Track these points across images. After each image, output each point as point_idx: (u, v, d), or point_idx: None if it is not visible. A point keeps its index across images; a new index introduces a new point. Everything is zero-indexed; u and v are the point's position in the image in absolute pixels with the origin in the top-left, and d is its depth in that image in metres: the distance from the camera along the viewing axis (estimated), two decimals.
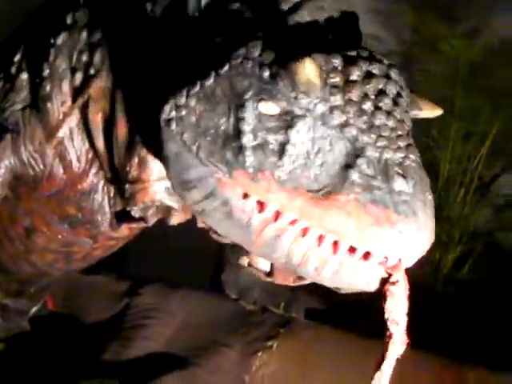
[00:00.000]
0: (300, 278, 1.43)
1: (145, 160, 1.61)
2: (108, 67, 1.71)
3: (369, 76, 1.29)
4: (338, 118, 1.26)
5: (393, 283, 1.26)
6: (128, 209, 1.68)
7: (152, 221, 1.69)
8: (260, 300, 2.36)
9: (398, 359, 1.29)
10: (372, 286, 1.29)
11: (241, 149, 1.28)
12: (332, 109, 1.26)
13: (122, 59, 1.70)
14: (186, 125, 1.36)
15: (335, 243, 1.26)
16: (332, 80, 1.27)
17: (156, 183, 1.61)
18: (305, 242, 1.27)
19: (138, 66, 1.62)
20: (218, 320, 2.31)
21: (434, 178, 2.58)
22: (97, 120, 1.73)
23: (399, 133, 1.27)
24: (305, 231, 1.27)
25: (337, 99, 1.27)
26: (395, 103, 1.30)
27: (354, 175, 1.23)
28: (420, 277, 1.89)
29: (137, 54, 1.64)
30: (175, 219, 1.67)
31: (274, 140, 1.27)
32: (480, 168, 3.12)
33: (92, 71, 1.72)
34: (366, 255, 1.25)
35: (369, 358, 2.04)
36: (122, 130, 1.66)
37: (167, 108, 1.39)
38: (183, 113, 1.37)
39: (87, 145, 1.77)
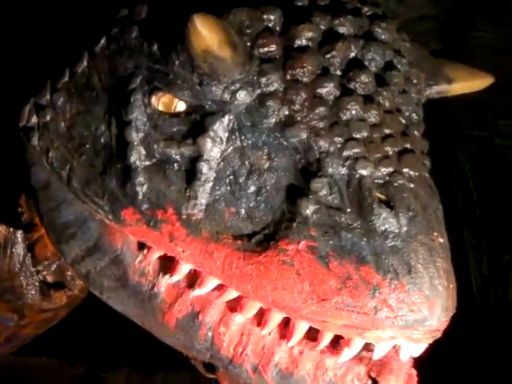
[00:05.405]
0: None
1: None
2: None
3: (330, 38, 0.85)
4: (274, 114, 0.82)
5: None
6: (37, 269, 1.26)
7: (76, 286, 1.27)
8: None
9: None
10: None
11: (128, 172, 0.90)
12: (263, 98, 0.82)
13: None
14: (51, 136, 1.00)
15: (285, 323, 0.84)
16: (262, 49, 0.84)
17: None
18: (238, 323, 0.86)
19: None
20: None
21: None
22: None
23: (388, 131, 0.85)
24: (237, 304, 0.86)
25: (271, 81, 0.82)
26: (382, 80, 0.87)
27: (307, 208, 0.78)
28: None
29: None
30: None
31: (178, 155, 0.87)
32: None
33: None
34: (334, 344, 0.83)
35: None
36: None
37: (25, 110, 1.02)
38: (48, 118, 1.00)
39: None
